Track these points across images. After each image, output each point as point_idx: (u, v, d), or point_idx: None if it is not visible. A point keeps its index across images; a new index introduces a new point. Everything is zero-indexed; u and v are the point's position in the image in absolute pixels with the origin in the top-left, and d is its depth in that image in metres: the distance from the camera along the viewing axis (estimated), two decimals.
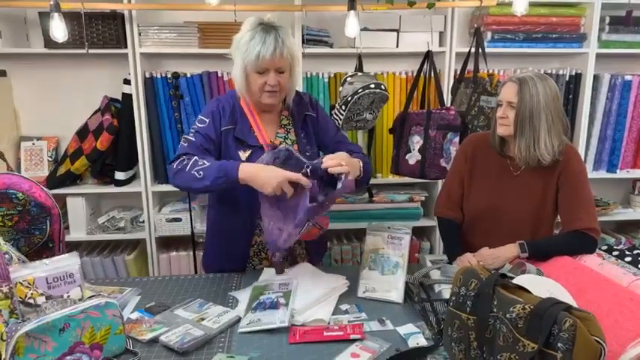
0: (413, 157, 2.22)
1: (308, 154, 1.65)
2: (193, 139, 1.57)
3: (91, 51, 2.39)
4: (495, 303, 1.05)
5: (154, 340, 1.27)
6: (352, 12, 2.18)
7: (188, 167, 1.48)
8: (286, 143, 1.66)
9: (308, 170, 1.43)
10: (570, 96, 2.71)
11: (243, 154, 1.60)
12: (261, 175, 1.41)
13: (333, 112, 2.24)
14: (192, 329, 1.30)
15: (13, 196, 1.39)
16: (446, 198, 1.78)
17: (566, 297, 1.13)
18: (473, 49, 2.29)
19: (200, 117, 1.62)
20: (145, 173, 2.55)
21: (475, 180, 1.72)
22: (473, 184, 1.73)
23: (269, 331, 1.30)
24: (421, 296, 1.43)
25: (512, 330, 0.99)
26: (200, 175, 1.45)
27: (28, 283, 1.20)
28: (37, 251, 1.48)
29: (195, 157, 1.49)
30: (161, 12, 2.56)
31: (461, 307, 1.12)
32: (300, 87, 2.52)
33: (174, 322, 1.35)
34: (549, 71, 2.69)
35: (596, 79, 2.71)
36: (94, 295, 1.26)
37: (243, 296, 1.49)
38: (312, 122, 1.70)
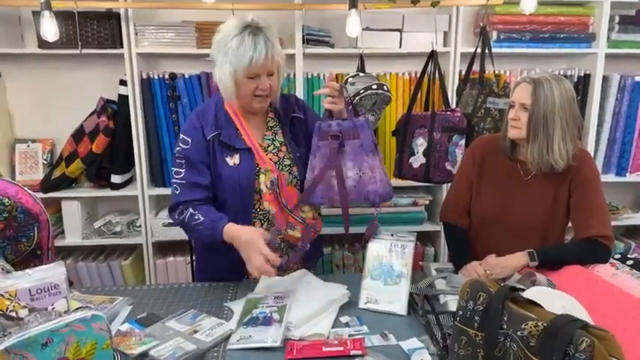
0: (417, 161, 2.15)
1: (298, 154, 1.63)
2: (183, 179, 1.56)
3: (86, 51, 2.34)
4: (505, 319, 0.98)
5: (144, 355, 1.21)
6: (353, 10, 2.11)
7: (186, 220, 1.55)
8: (274, 145, 1.63)
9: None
10: (579, 97, 2.63)
11: (231, 160, 1.56)
12: (242, 250, 1.47)
13: None
14: (183, 343, 1.24)
15: None
16: (453, 203, 1.72)
17: (581, 313, 1.06)
18: (479, 49, 2.21)
19: (182, 136, 1.58)
20: (142, 176, 2.49)
21: (484, 184, 1.66)
22: (481, 188, 1.66)
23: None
24: (425, 309, 1.36)
25: (523, 349, 0.92)
26: (197, 228, 1.54)
27: (10, 295, 1.13)
28: (24, 259, 1.42)
29: (191, 211, 1.53)
30: (158, 11, 2.51)
31: (468, 322, 1.05)
32: (300, 87, 2.46)
33: (165, 334, 1.28)
34: (557, 72, 2.61)
35: (606, 80, 2.63)
36: (80, 307, 1.20)
37: (239, 307, 1.42)
38: (300, 124, 1.67)
